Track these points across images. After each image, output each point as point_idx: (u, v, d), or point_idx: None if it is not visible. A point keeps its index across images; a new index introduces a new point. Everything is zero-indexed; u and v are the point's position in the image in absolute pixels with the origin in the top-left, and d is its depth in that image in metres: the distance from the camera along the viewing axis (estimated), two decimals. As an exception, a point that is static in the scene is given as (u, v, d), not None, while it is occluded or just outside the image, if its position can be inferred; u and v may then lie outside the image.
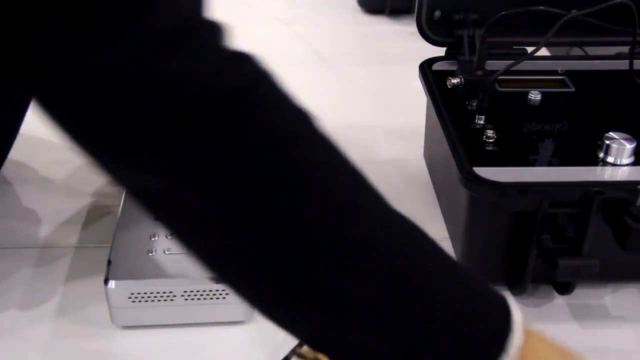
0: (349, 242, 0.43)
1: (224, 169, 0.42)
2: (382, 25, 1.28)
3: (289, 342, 0.63)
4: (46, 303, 0.67)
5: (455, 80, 0.71)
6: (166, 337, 0.63)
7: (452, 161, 0.67)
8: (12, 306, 0.67)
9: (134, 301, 0.62)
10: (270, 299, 0.45)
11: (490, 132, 0.70)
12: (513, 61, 0.72)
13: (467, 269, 0.49)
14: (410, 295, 0.44)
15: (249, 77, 0.43)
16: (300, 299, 0.44)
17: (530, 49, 0.76)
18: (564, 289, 0.66)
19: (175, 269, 0.62)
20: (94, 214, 0.79)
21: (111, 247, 0.65)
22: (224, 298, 0.62)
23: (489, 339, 0.45)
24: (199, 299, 0.62)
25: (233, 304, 0.63)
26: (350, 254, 0.43)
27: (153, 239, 0.66)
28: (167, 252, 0.64)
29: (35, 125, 0.85)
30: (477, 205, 0.65)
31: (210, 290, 0.62)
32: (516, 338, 0.44)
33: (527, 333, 0.46)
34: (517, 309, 0.46)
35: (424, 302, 0.44)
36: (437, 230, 0.77)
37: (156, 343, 0.63)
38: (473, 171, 0.64)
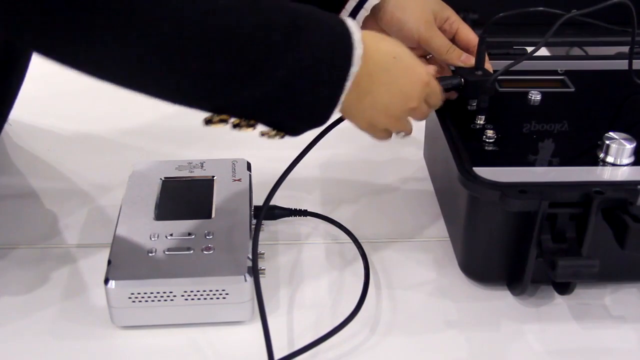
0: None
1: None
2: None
3: (289, 342, 0.63)
4: (46, 303, 0.67)
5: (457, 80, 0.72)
6: (166, 337, 0.63)
7: (452, 161, 0.67)
8: (12, 306, 0.67)
9: (134, 301, 0.62)
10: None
11: (490, 132, 0.70)
12: (513, 61, 0.72)
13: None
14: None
15: None
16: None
17: (530, 49, 0.76)
18: (564, 289, 0.66)
19: (175, 269, 0.62)
20: (94, 214, 0.79)
21: (111, 247, 0.65)
22: (224, 298, 0.62)
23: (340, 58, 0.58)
24: (199, 299, 0.62)
25: (233, 304, 0.63)
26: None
27: (153, 239, 0.66)
28: (167, 252, 0.64)
29: (35, 125, 0.85)
30: (477, 205, 0.65)
31: (210, 290, 0.62)
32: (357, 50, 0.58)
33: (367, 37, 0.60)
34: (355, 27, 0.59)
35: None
36: (437, 230, 0.77)
37: (156, 343, 0.63)
38: (473, 171, 0.64)
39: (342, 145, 0.90)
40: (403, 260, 0.73)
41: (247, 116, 0.59)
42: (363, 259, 0.71)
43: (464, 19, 0.81)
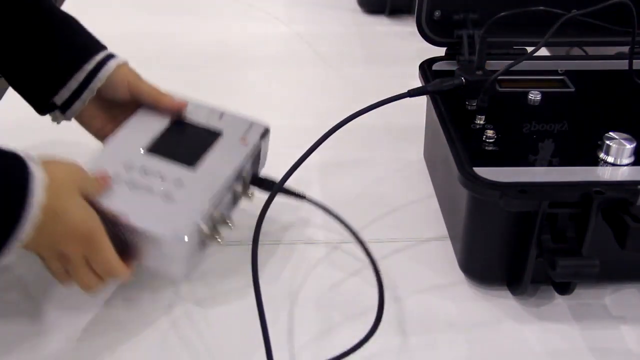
0: None
1: None
2: (382, 25, 1.28)
3: (289, 342, 0.63)
4: (46, 303, 0.67)
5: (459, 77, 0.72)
6: (165, 336, 0.64)
7: (452, 161, 0.67)
8: (12, 306, 0.67)
9: None
10: None
11: (490, 132, 0.70)
12: (513, 61, 0.72)
13: None
14: None
15: None
16: None
17: (530, 49, 0.76)
18: (564, 289, 0.66)
19: (125, 205, 0.62)
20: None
21: (89, 161, 0.65)
22: (161, 252, 0.61)
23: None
24: (138, 242, 0.61)
25: (170, 259, 0.61)
26: None
27: (127, 169, 0.65)
28: (129, 186, 0.64)
29: (37, 125, 0.85)
30: (477, 205, 0.65)
31: (147, 237, 0.61)
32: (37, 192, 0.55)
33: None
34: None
35: None
36: (437, 230, 0.77)
37: (155, 342, 0.63)
38: (473, 171, 0.64)
39: (342, 145, 0.90)
40: (403, 260, 0.73)
41: None
42: (368, 257, 0.69)
43: (464, 19, 0.82)
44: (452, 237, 0.74)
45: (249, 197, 0.69)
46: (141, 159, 0.67)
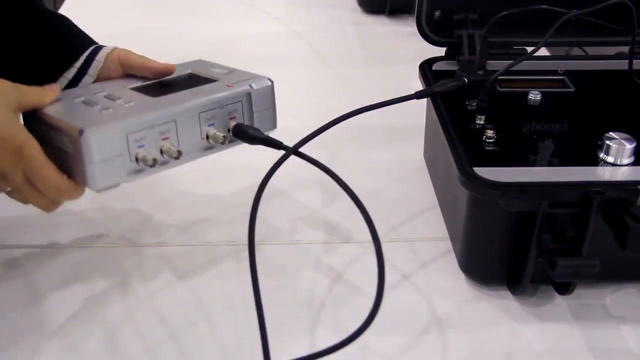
0: None
1: None
2: (382, 25, 1.28)
3: (287, 342, 0.63)
4: (46, 303, 0.67)
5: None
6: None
7: (452, 161, 0.67)
8: (12, 307, 0.67)
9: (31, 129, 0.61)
10: None
11: (490, 132, 0.70)
12: (513, 61, 0.72)
13: None
14: None
15: None
16: None
17: (530, 49, 0.76)
18: (564, 289, 0.66)
19: (59, 113, 0.62)
20: (93, 214, 0.79)
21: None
22: (78, 154, 0.59)
23: None
24: (61, 146, 0.61)
25: (84, 162, 0.59)
26: None
27: (95, 91, 0.67)
28: (81, 102, 0.64)
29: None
30: (477, 205, 0.65)
31: (61, 135, 0.60)
32: None
33: None
34: None
35: None
36: (437, 230, 0.77)
37: (153, 343, 0.63)
38: (473, 171, 0.64)
39: (342, 145, 0.90)
40: (403, 260, 0.73)
41: None
42: (376, 248, 0.66)
43: (464, 19, 0.82)
44: (452, 237, 0.75)
45: (224, 144, 0.67)
46: (116, 90, 0.66)
